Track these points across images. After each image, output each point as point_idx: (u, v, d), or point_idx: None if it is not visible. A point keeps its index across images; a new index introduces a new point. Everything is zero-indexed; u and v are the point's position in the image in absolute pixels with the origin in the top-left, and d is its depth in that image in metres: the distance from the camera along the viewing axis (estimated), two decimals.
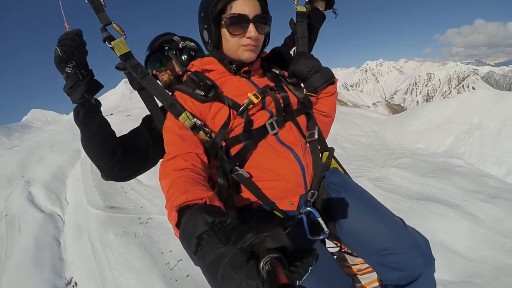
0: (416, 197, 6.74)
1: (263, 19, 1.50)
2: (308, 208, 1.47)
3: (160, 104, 1.65)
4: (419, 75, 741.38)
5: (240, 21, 1.45)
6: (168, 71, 2.16)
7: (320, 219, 1.46)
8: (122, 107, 23.35)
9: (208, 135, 1.46)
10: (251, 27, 1.46)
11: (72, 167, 10.53)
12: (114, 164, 1.64)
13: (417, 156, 10.25)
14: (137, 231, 6.23)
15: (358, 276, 1.76)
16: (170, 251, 5.61)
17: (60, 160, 11.25)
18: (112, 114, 19.77)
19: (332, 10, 2.20)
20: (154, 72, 2.19)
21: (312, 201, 1.53)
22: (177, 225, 0.92)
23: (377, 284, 1.72)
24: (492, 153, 16.20)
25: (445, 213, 5.67)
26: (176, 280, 4.71)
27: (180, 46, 2.14)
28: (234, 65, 1.58)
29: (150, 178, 9.12)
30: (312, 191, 1.56)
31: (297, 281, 0.68)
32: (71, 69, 1.53)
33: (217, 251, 0.73)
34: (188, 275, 4.80)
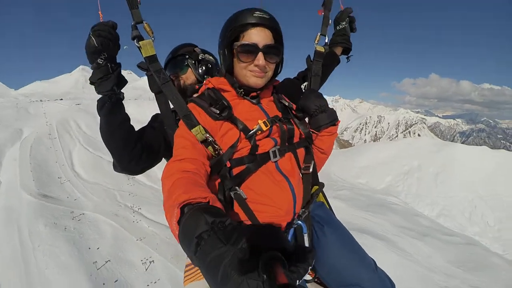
0: (350, 227, 6.92)
1: (273, 49, 1.56)
2: (300, 222, 1.56)
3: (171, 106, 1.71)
4: (370, 116, 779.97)
5: (250, 50, 1.52)
6: (184, 78, 2.22)
7: (305, 235, 1.56)
8: (74, 94, 22.42)
9: (217, 152, 1.51)
10: (260, 55, 1.52)
11: (11, 146, 10.03)
12: (132, 159, 1.70)
13: (357, 190, 10.75)
14: (68, 224, 6.00)
15: None
16: (98, 248, 5.48)
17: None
18: (61, 99, 18.93)
19: (347, 56, 2.37)
20: (171, 75, 2.23)
21: (303, 217, 1.60)
22: (178, 223, 0.93)
23: None
24: (427, 195, 17.56)
25: (376, 245, 5.90)
26: (104, 284, 4.59)
27: (199, 58, 2.21)
28: (242, 90, 1.65)
29: (89, 172, 8.99)
30: (303, 209, 1.63)
31: (297, 281, 0.69)
32: (102, 60, 1.55)
33: (217, 251, 0.73)
34: (116, 280, 4.72)
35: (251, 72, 1.57)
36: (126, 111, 1.74)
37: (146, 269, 5.03)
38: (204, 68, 2.21)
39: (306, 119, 1.88)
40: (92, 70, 1.59)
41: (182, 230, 0.88)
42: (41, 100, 17.83)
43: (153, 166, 1.89)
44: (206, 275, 0.75)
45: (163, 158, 1.98)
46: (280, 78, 1.94)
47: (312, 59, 2.10)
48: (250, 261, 0.68)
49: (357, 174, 16.43)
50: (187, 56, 2.21)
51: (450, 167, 20.33)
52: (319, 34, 2.11)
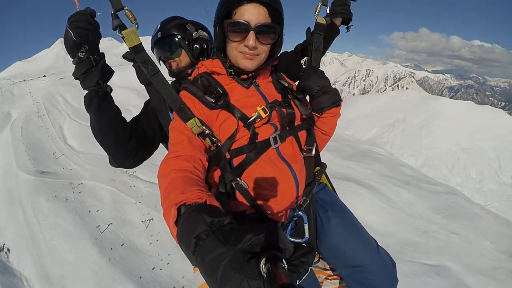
0: (335, 176, 7.17)
1: (266, 28, 1.44)
2: (300, 213, 1.50)
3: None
4: (359, 70, 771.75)
5: (240, 28, 1.42)
6: (177, 60, 2.10)
7: (306, 225, 1.51)
8: (56, 69, 21.88)
9: (214, 144, 1.46)
10: (251, 35, 1.42)
11: (2, 130, 10.15)
12: (128, 153, 1.64)
13: (343, 142, 10.98)
14: (68, 196, 6.31)
15: (327, 280, 1.86)
16: (99, 213, 5.82)
17: None
18: (45, 76, 18.62)
19: (347, 26, 2.25)
20: (161, 58, 2.16)
21: (304, 206, 1.55)
22: (176, 223, 0.93)
23: None
24: (411, 146, 18.23)
25: (361, 192, 6.16)
26: (111, 249, 4.93)
27: (193, 37, 2.06)
28: (232, 70, 1.57)
29: (82, 144, 9.16)
30: (304, 197, 1.58)
31: (297, 281, 0.70)
32: (84, 53, 1.45)
33: (216, 251, 0.73)
34: (123, 244, 5.06)
35: (241, 53, 1.49)
36: (116, 105, 1.64)
37: (147, 227, 5.45)
38: (199, 48, 2.08)
39: (308, 99, 1.83)
40: (73, 65, 1.49)
41: (180, 231, 0.88)
42: (24, 80, 17.49)
43: (150, 155, 1.84)
44: (205, 275, 0.75)
45: (161, 143, 1.92)
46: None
47: (312, 31, 1.97)
48: (250, 261, 0.68)
49: (344, 126, 16.56)
50: (180, 37, 2.05)
51: (434, 120, 20.87)
52: (319, 4, 1.99)
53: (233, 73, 1.59)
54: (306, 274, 0.73)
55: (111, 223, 5.51)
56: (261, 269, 0.65)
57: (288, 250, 0.73)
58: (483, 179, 18.36)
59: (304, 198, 1.58)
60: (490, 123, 21.89)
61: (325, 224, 1.69)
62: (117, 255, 4.80)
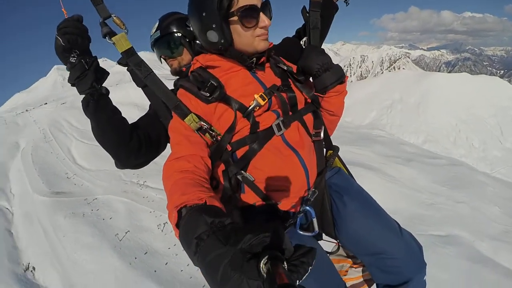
0: None
1: (268, 5, 1.47)
2: (307, 208, 1.47)
3: None
4: (353, 57, 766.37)
5: (252, 13, 1.40)
6: (179, 59, 2.07)
7: (314, 219, 1.48)
8: (56, 95, 22.14)
9: (214, 138, 1.45)
10: (262, 16, 1.43)
11: (12, 159, 10.32)
12: (130, 153, 1.62)
13: (343, 128, 10.92)
14: (85, 211, 6.53)
15: (352, 268, 1.82)
16: (116, 224, 6.03)
17: None
18: (46, 103, 18.86)
19: (345, 1, 2.08)
20: (162, 56, 2.12)
21: (312, 199, 1.50)
22: (177, 225, 0.95)
23: (361, 280, 1.82)
24: (411, 124, 18.33)
25: (364, 174, 6.13)
26: (131, 254, 5.12)
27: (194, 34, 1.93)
28: (254, 59, 1.54)
29: (91, 162, 9.34)
30: (313, 189, 1.53)
31: (297, 281, 0.70)
32: (75, 58, 1.46)
33: (217, 252, 0.73)
34: (141, 249, 5.27)
35: (258, 36, 1.47)
36: (114, 105, 1.64)
37: (162, 230, 5.67)
38: (199, 43, 1.91)
39: (311, 79, 1.72)
40: (68, 72, 1.50)
41: (182, 232, 0.89)
42: (26, 110, 17.77)
43: (157, 156, 1.81)
44: (206, 276, 0.76)
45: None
46: (277, 38, 1.84)
47: (308, 10, 1.86)
48: (250, 261, 0.68)
49: (343, 113, 16.94)
50: (180, 35, 2.00)
51: (431, 96, 20.96)
52: None
53: (254, 61, 1.56)
54: (307, 274, 0.72)
55: (128, 231, 5.72)
56: (261, 269, 0.66)
57: (288, 250, 0.73)
58: (486, 147, 18.39)
59: (313, 190, 1.52)
60: (487, 91, 21.92)
61: (341, 210, 1.63)
62: (137, 260, 5.00)
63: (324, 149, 1.77)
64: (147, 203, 6.61)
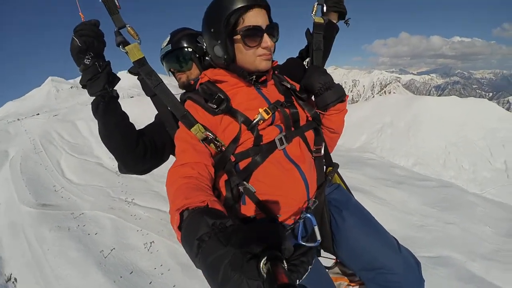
0: None
1: (274, 28, 1.52)
2: (308, 215, 1.48)
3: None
4: (345, 82, 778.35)
5: (255, 33, 1.45)
6: (187, 73, 2.09)
7: (315, 228, 1.48)
8: (49, 107, 22.17)
9: (219, 149, 1.46)
10: (266, 37, 1.47)
11: (1, 168, 10.31)
12: (136, 157, 1.62)
13: (334, 152, 10.70)
14: (70, 225, 6.46)
15: (350, 286, 1.79)
16: (102, 240, 5.96)
17: None
18: (38, 114, 18.87)
19: (345, 21, 2.16)
20: (171, 70, 2.14)
21: (312, 208, 1.52)
22: (179, 228, 0.95)
23: None
24: (401, 148, 18.58)
25: (355, 197, 6.25)
26: (115, 272, 5.03)
27: (204, 50, 1.92)
28: (254, 76, 1.58)
29: (80, 176, 9.35)
30: (314, 199, 1.55)
31: (297, 280, 0.71)
32: (89, 60, 1.48)
33: (218, 253, 0.74)
34: (126, 267, 5.18)
35: (260, 56, 1.51)
36: (122, 110, 1.65)
37: (148, 249, 5.55)
38: (208, 59, 1.93)
39: (313, 98, 1.79)
40: (81, 73, 1.52)
41: (184, 234, 0.89)
42: (18, 119, 17.75)
43: (160, 165, 1.83)
44: (207, 277, 0.76)
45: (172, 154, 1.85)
46: (281, 58, 1.89)
47: (311, 32, 1.95)
48: (250, 262, 0.68)
49: None
50: (190, 50, 2.02)
51: (421, 119, 21.37)
52: (315, 4, 1.97)
53: (254, 79, 1.59)
54: (306, 274, 0.73)
55: (114, 248, 5.62)
56: (261, 269, 0.66)
57: (288, 250, 0.73)
58: (476, 169, 18.56)
59: (314, 200, 1.54)
60: (476, 114, 22.30)
61: (340, 225, 1.64)
62: (122, 278, 4.89)
63: (324, 166, 1.79)
64: (134, 220, 6.54)
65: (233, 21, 1.44)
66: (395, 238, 1.67)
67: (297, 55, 2.22)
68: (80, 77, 1.52)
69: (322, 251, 1.79)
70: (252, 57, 1.51)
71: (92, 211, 7.05)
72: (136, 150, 1.59)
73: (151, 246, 5.65)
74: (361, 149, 15.54)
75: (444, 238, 5.40)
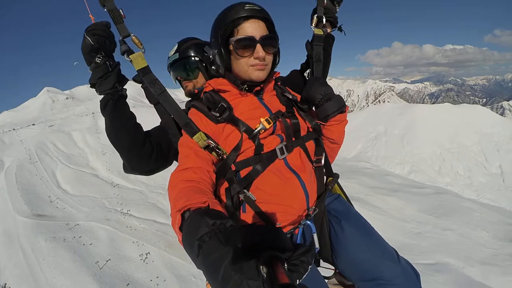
0: None
1: (269, 39, 1.52)
2: (308, 222, 1.49)
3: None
4: (339, 92, 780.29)
5: (247, 43, 1.47)
6: (194, 82, 2.09)
7: (315, 235, 1.49)
8: (44, 117, 22.11)
9: (220, 157, 1.47)
10: (258, 47, 1.48)
11: None
12: (141, 156, 1.63)
13: None
14: (65, 236, 6.43)
15: None
16: (97, 251, 5.94)
17: None
18: (34, 124, 18.79)
19: (338, 28, 2.16)
20: (178, 78, 2.16)
21: (312, 215, 1.53)
22: (180, 229, 0.94)
23: None
24: (396, 156, 18.67)
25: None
26: (111, 284, 5.01)
27: (210, 59, 1.94)
28: (246, 85, 1.58)
29: (75, 187, 9.37)
30: (314, 207, 1.56)
31: (297, 280, 0.69)
32: (100, 59, 1.50)
33: (218, 252, 0.74)
34: (123, 278, 5.16)
35: (252, 66, 1.52)
36: (130, 109, 1.66)
37: (144, 261, 5.54)
38: (215, 68, 1.91)
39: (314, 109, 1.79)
40: (90, 72, 1.54)
41: (185, 234, 0.90)
42: (14, 129, 17.67)
43: (164, 168, 1.82)
44: (208, 276, 0.75)
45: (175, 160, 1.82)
46: (284, 70, 1.90)
47: (311, 43, 1.99)
48: (250, 261, 0.68)
49: None
50: (197, 59, 2.05)
51: (415, 127, 21.55)
52: (315, 16, 2.00)
53: (246, 88, 1.59)
54: (306, 274, 0.71)
55: (109, 259, 5.60)
56: (261, 269, 0.65)
57: (287, 250, 0.72)
58: (471, 174, 18.60)
59: (314, 207, 1.54)
60: (469, 120, 22.46)
61: (339, 235, 1.62)
62: None
63: (325, 177, 1.78)
64: (130, 231, 6.54)
65: (229, 31, 1.48)
66: (394, 249, 1.65)
67: (299, 68, 2.21)
68: (91, 75, 1.53)
69: (321, 261, 1.76)
70: (244, 66, 1.52)
71: (87, 222, 7.03)
72: (143, 149, 1.61)
73: (146, 257, 5.64)
74: (356, 158, 15.64)
75: (441, 244, 5.40)
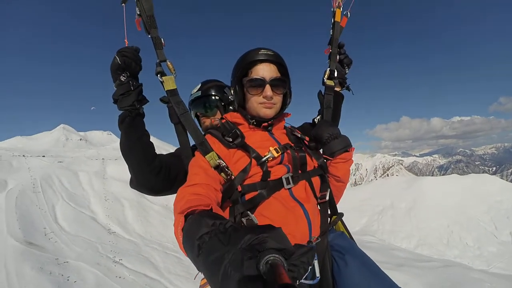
0: None
1: (279, 81, 1.65)
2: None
3: (192, 143, 1.74)
4: None
5: (257, 83, 1.62)
6: (211, 118, 2.22)
7: (316, 262, 1.38)
8: (55, 152, 22.52)
9: (229, 177, 1.51)
10: (267, 87, 1.62)
11: None
12: (149, 172, 1.69)
13: None
14: (53, 270, 6.39)
15: None
16: (75, 282, 6.00)
17: None
18: (44, 156, 19.09)
19: (346, 87, 2.32)
20: (198, 113, 2.28)
21: (314, 243, 1.53)
22: (183, 230, 0.96)
23: None
24: (402, 229, 18.27)
25: None
26: None
27: (229, 100, 2.19)
28: (254, 120, 1.71)
29: (71, 226, 9.43)
30: (317, 237, 1.57)
31: (297, 281, 0.70)
32: (125, 78, 1.61)
33: (218, 252, 0.74)
34: None
35: (261, 104, 1.65)
36: (145, 128, 1.75)
37: None
38: (232, 108, 2.17)
39: (321, 150, 1.88)
40: (115, 89, 1.63)
41: (185, 235, 0.91)
42: (24, 156, 18.00)
43: (168, 193, 1.85)
44: (208, 276, 0.76)
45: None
46: (295, 119, 2.12)
47: (323, 93, 2.16)
48: (250, 261, 0.68)
49: None
50: (217, 98, 2.20)
51: (421, 200, 21.33)
52: (328, 69, 2.18)
53: (254, 123, 1.72)
54: (306, 274, 0.72)
55: None
56: (261, 269, 0.65)
57: (288, 250, 0.72)
58: (481, 245, 17.91)
59: (317, 237, 1.55)
60: (477, 189, 22.09)
61: (342, 269, 1.59)
62: None
63: (329, 215, 1.83)
64: (118, 280, 6.47)
65: (244, 72, 1.67)
66: (398, 286, 1.61)
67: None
68: (114, 91, 1.64)
69: None
70: (254, 103, 1.67)
71: (77, 262, 7.00)
72: (152, 165, 1.69)
73: None
74: (361, 232, 15.36)
75: None
